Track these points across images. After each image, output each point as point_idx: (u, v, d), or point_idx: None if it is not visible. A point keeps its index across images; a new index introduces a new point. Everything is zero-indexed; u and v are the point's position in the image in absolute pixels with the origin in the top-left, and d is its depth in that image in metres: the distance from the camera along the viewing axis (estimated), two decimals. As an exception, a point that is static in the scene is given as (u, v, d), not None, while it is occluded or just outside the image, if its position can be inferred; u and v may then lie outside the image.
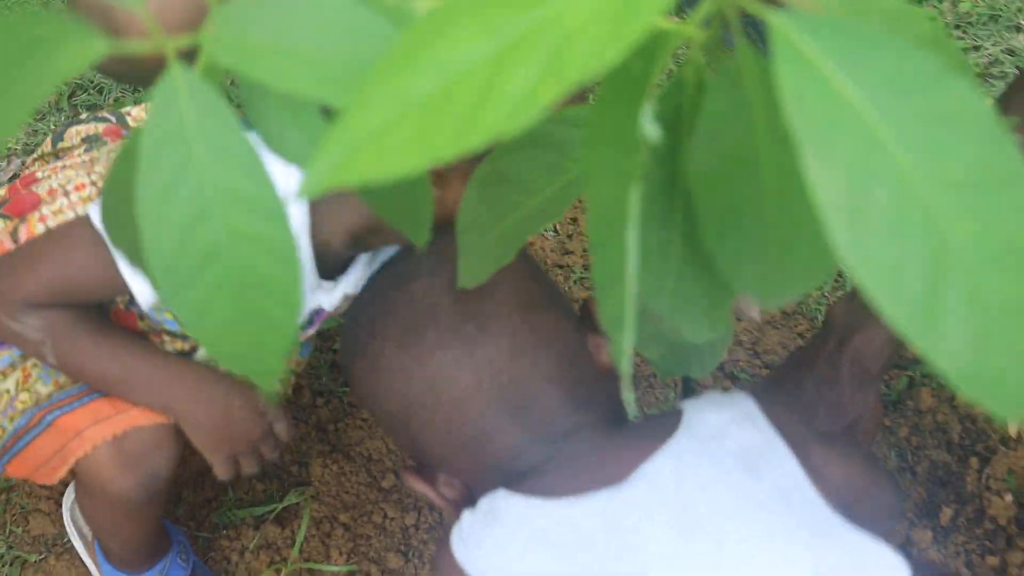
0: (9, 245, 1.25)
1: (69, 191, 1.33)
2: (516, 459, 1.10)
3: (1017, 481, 1.46)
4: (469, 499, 1.12)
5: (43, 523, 1.55)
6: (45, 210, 1.30)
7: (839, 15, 0.62)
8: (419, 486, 1.15)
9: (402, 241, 1.22)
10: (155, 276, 0.62)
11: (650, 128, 0.60)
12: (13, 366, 1.28)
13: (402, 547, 1.53)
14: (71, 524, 1.50)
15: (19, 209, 1.31)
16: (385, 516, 1.55)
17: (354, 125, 0.47)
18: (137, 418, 1.21)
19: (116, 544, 1.39)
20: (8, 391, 1.28)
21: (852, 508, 1.13)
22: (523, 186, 0.80)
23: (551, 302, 1.17)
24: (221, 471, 1.26)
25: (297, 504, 1.56)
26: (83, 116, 1.59)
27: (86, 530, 1.48)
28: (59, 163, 1.41)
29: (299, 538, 1.53)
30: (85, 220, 1.13)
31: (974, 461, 1.48)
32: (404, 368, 1.11)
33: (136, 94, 2.08)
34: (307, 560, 1.52)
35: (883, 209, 0.49)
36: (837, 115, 0.50)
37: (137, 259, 0.72)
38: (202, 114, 0.63)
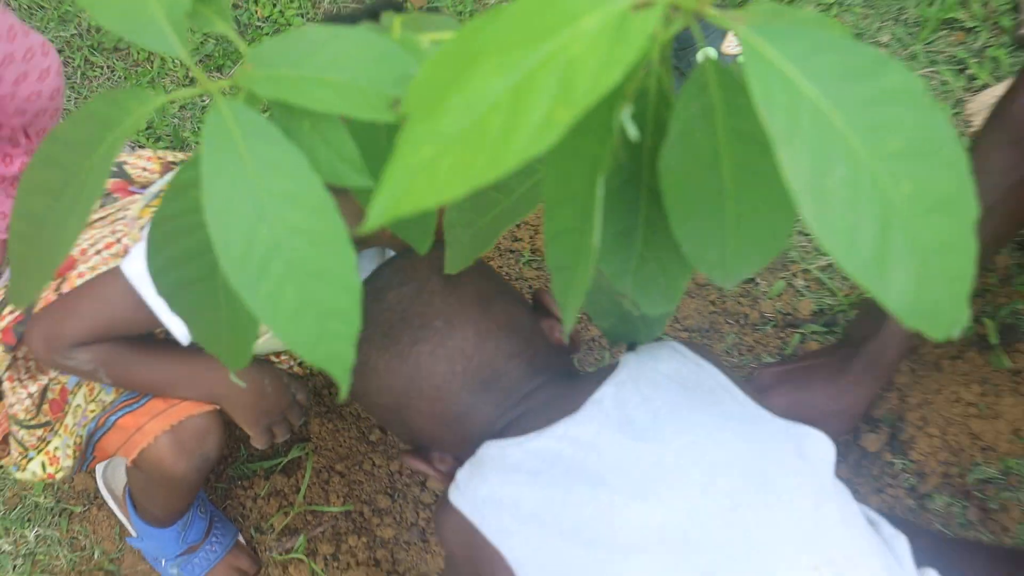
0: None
1: (100, 249, 1.29)
2: (494, 423, 1.09)
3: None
4: (457, 463, 1.11)
5: (86, 481, 1.53)
6: (82, 267, 1.26)
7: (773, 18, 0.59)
8: (417, 465, 1.14)
9: (396, 245, 1.21)
10: (229, 276, 0.61)
11: (630, 127, 0.61)
12: (79, 384, 1.29)
13: (388, 490, 1.52)
14: (103, 486, 1.49)
15: (59, 271, 1.26)
16: (373, 464, 1.53)
17: (405, 162, 0.47)
18: (188, 409, 1.23)
19: (157, 510, 1.38)
20: (80, 405, 1.29)
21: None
22: (499, 187, 0.80)
23: (502, 292, 1.15)
24: (260, 441, 1.27)
25: (300, 457, 1.54)
26: None
27: (117, 492, 1.48)
28: None
29: (303, 485, 1.52)
30: (116, 271, 1.12)
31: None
32: (388, 367, 1.09)
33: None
34: (310, 504, 1.51)
35: (840, 183, 0.49)
36: (798, 108, 0.50)
37: (183, 289, 0.73)
38: (248, 133, 0.63)
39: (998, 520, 1.40)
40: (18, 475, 1.33)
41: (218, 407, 1.24)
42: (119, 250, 1.29)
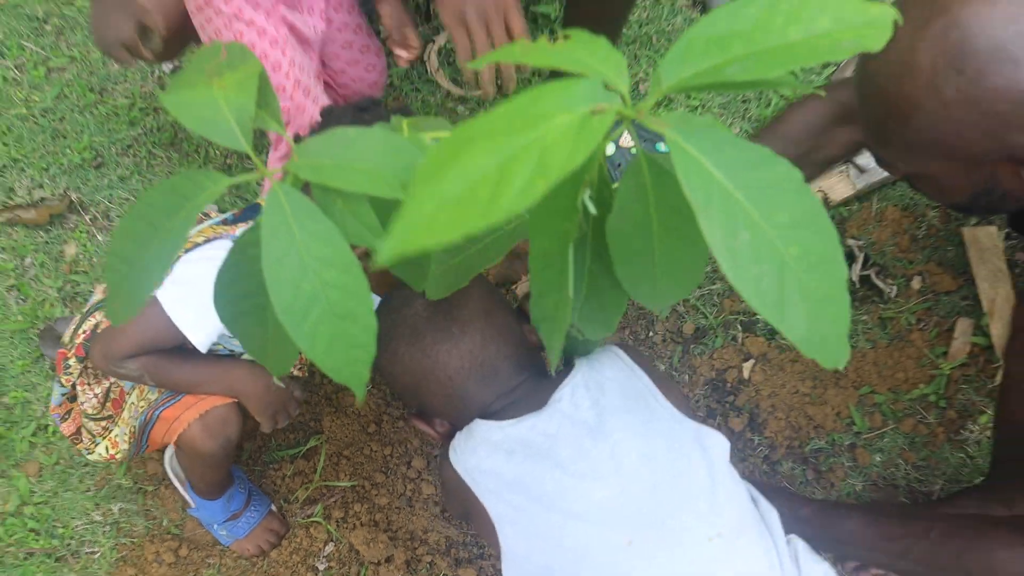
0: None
1: None
2: (486, 407, 1.10)
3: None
4: (454, 432, 1.12)
5: (155, 467, 1.50)
6: None
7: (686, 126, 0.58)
8: (422, 426, 1.15)
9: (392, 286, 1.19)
10: (280, 316, 0.62)
11: (589, 204, 0.62)
12: (133, 386, 1.29)
13: (383, 469, 1.49)
14: (170, 469, 1.47)
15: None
16: (372, 450, 1.51)
17: (411, 214, 0.46)
18: (213, 401, 1.22)
19: (201, 483, 1.37)
20: (133, 403, 1.29)
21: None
22: (450, 255, 0.79)
23: (501, 306, 1.14)
24: (266, 426, 1.27)
25: (316, 446, 1.51)
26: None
27: (180, 474, 1.46)
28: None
29: (319, 467, 1.49)
30: (154, 299, 1.11)
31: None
32: (412, 358, 1.08)
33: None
34: (324, 480, 1.48)
35: (746, 244, 0.49)
36: (711, 188, 0.49)
37: (242, 318, 0.72)
38: (296, 209, 0.63)
39: (827, 478, 1.42)
40: (89, 457, 1.33)
41: (235, 400, 1.23)
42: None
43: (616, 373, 1.09)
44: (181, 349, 1.16)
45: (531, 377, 1.11)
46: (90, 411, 1.28)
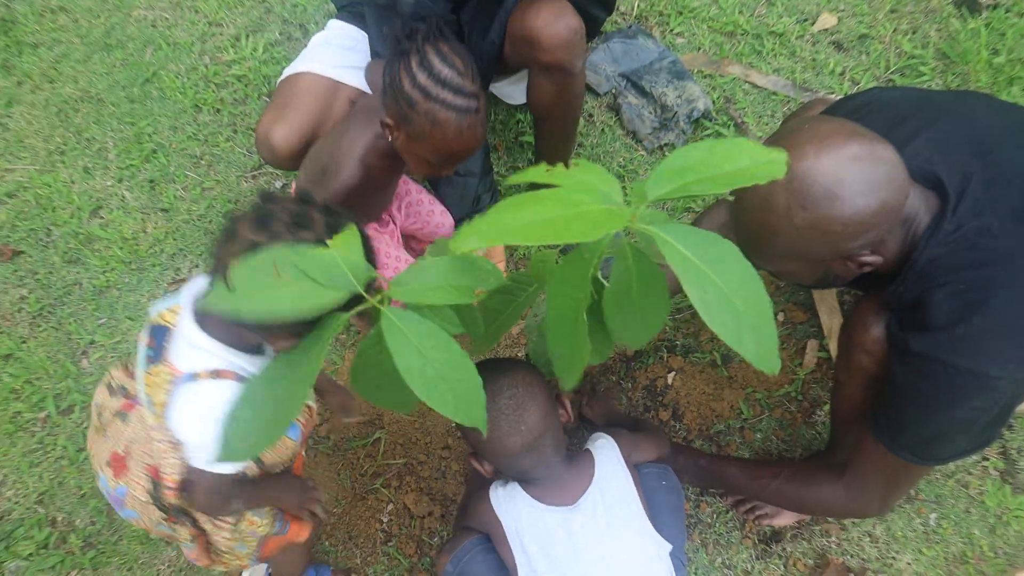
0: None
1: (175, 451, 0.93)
2: (527, 471, 1.02)
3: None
4: (498, 473, 1.05)
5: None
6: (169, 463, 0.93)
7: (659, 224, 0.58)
8: (476, 464, 1.05)
9: None
10: (419, 393, 0.59)
11: (601, 277, 0.62)
12: (239, 519, 1.03)
13: (424, 451, 1.44)
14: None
15: (155, 471, 0.95)
16: (416, 439, 1.45)
17: (490, 224, 0.47)
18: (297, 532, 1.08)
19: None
20: (243, 530, 1.04)
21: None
22: (496, 311, 0.78)
23: (549, 395, 1.03)
24: (305, 516, 1.08)
25: (379, 437, 1.45)
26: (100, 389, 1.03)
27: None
28: (130, 437, 0.96)
29: (380, 450, 1.44)
30: (196, 471, 0.89)
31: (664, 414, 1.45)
32: (490, 435, 0.98)
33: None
34: (384, 460, 1.43)
35: (713, 297, 0.50)
36: (687, 264, 0.50)
37: (381, 387, 0.67)
38: (401, 317, 0.61)
39: (725, 451, 1.41)
40: (218, 568, 1.08)
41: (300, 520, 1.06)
42: (147, 447, 0.95)
43: (619, 483, 1.02)
44: (250, 481, 0.97)
45: (563, 462, 1.03)
46: (221, 538, 1.03)
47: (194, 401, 0.84)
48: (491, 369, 1.00)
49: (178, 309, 0.88)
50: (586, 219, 0.47)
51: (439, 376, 0.59)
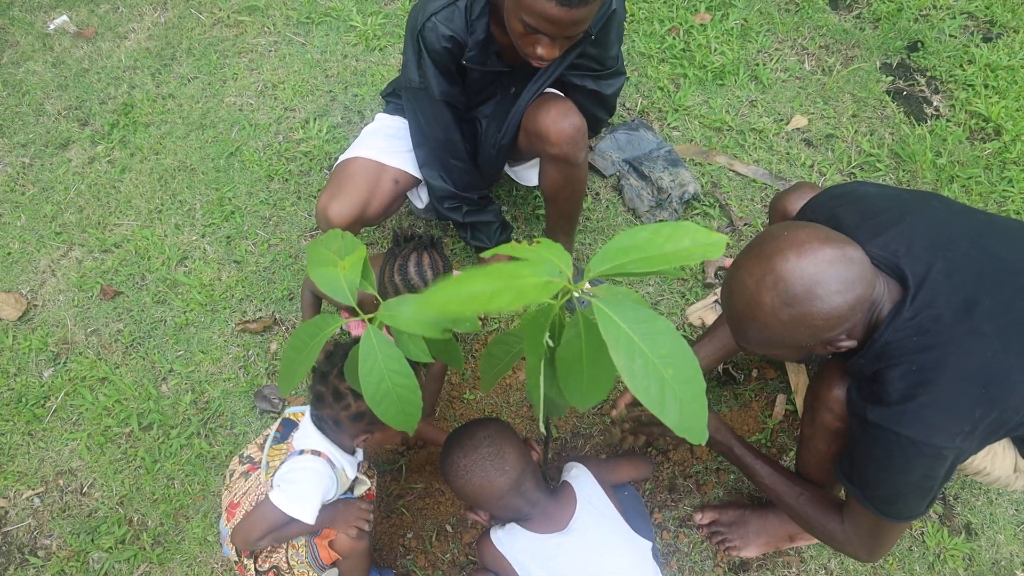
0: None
1: (250, 500, 1.14)
2: (516, 511, 1.08)
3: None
4: (494, 519, 1.10)
5: None
6: (240, 510, 1.14)
7: (608, 295, 0.60)
8: (472, 515, 1.12)
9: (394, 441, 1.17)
10: (368, 401, 0.62)
11: (548, 341, 0.63)
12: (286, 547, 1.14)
13: (439, 479, 1.49)
14: None
15: (230, 513, 1.16)
16: (434, 468, 1.51)
17: (444, 295, 0.46)
18: (335, 539, 1.13)
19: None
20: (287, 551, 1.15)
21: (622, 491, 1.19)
22: (497, 358, 0.77)
23: (519, 440, 1.09)
24: (353, 533, 1.13)
25: (401, 464, 1.52)
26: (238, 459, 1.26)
27: None
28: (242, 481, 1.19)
29: (402, 476, 1.50)
30: (267, 501, 1.05)
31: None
32: (477, 481, 1.04)
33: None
34: (408, 484, 1.50)
35: (641, 367, 0.47)
36: (619, 335, 0.49)
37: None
38: (378, 340, 0.63)
39: (703, 489, 1.43)
40: None
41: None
42: (253, 498, 1.15)
43: (599, 500, 1.05)
44: (290, 520, 1.07)
45: (545, 497, 1.07)
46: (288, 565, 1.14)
47: (296, 463, 1.07)
48: (469, 427, 1.07)
49: (301, 416, 1.15)
50: (514, 291, 0.44)
51: (388, 390, 0.59)
